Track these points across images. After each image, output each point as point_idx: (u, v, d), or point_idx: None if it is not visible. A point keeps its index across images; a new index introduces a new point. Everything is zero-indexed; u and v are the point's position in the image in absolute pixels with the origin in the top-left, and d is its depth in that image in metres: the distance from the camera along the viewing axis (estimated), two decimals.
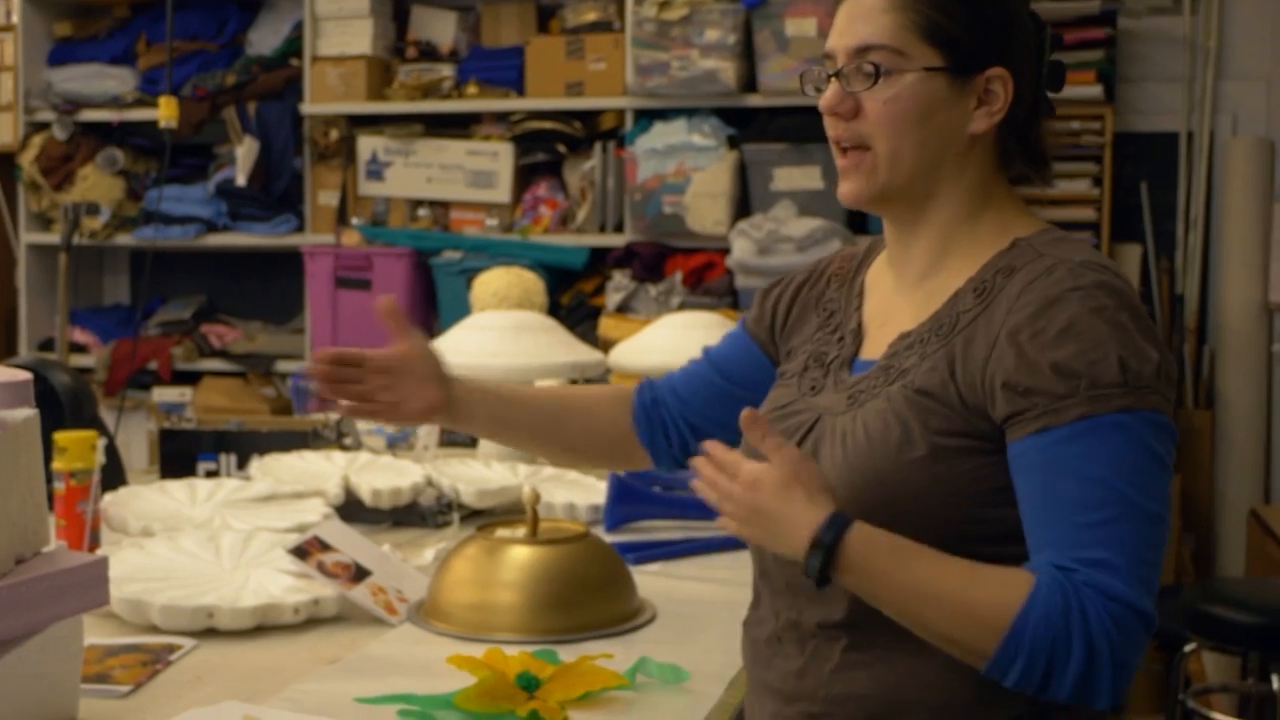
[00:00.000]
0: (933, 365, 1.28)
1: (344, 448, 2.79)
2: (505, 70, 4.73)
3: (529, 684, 1.50)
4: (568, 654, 1.61)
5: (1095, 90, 4.39)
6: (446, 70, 4.82)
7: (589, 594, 1.75)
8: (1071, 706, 1.22)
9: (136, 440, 4.73)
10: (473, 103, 4.76)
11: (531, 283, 3.54)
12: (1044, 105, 1.39)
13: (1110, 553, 1.17)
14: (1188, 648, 3.18)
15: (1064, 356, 1.20)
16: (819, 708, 1.32)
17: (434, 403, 1.55)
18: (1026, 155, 1.38)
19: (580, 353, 2.88)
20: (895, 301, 1.39)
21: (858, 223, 4.35)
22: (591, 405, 1.67)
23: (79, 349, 5.10)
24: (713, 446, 1.27)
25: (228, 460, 2.63)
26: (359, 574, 1.84)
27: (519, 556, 1.76)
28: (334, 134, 4.89)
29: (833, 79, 1.34)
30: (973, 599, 1.19)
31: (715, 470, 1.26)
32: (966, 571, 1.21)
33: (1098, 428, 1.18)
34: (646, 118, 4.56)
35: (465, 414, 1.58)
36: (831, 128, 1.35)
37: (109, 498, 2.18)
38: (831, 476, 1.28)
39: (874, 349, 1.38)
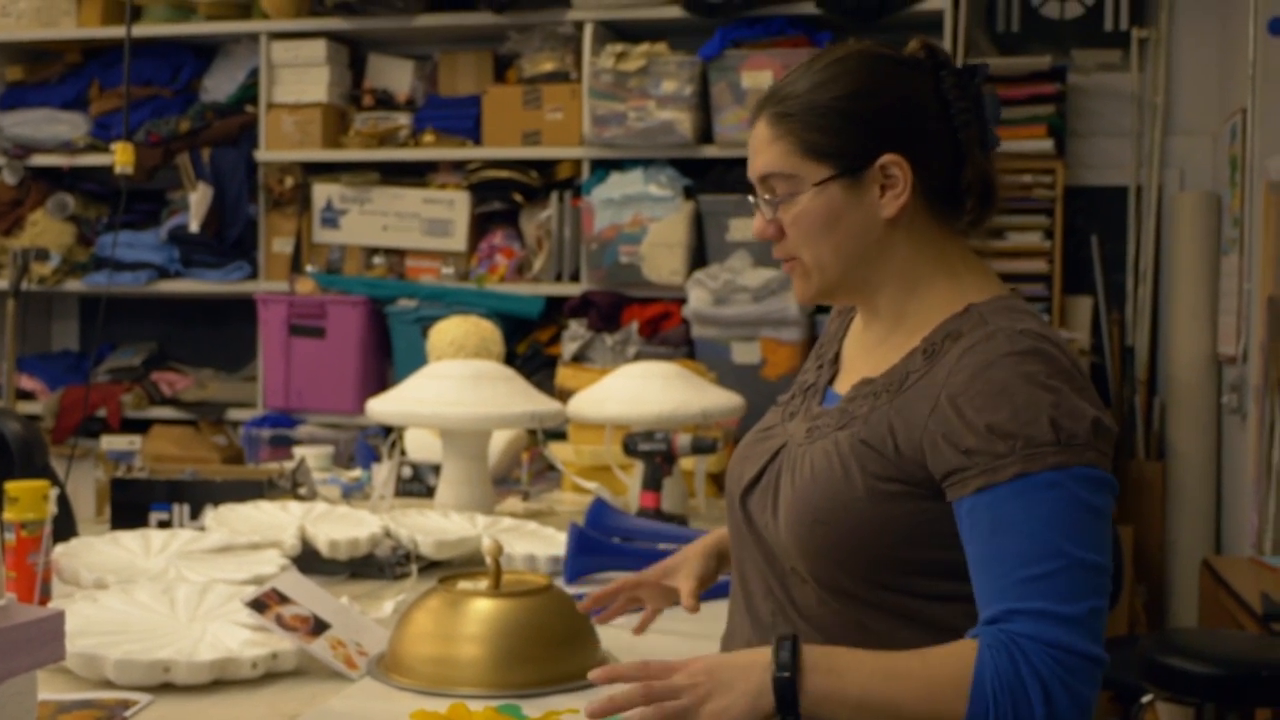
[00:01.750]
0: (879, 419, 1.37)
1: (299, 498, 2.76)
2: (462, 119, 4.74)
3: None
4: (532, 709, 1.59)
5: (1046, 144, 4.46)
6: (403, 118, 4.82)
7: (554, 647, 1.73)
8: None
9: (84, 489, 4.65)
10: (429, 151, 4.76)
11: (488, 331, 3.53)
12: (973, 143, 1.42)
13: (1050, 603, 1.24)
14: (1144, 699, 3.18)
15: (1000, 419, 1.28)
16: None
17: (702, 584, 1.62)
18: (958, 205, 1.44)
19: (539, 402, 2.86)
20: (867, 349, 1.48)
21: None
22: None
23: (26, 395, 5.02)
24: (609, 674, 1.32)
25: (181, 510, 2.59)
26: (318, 627, 1.81)
27: (482, 609, 1.74)
28: (289, 181, 4.87)
29: (757, 208, 1.47)
30: (930, 672, 1.26)
31: (648, 679, 1.29)
32: (917, 653, 1.28)
33: (1033, 485, 1.26)
34: (603, 168, 4.58)
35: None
36: (772, 248, 1.48)
37: (60, 549, 2.13)
38: (783, 506, 1.39)
39: (843, 384, 1.47)
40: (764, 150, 1.43)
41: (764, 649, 1.28)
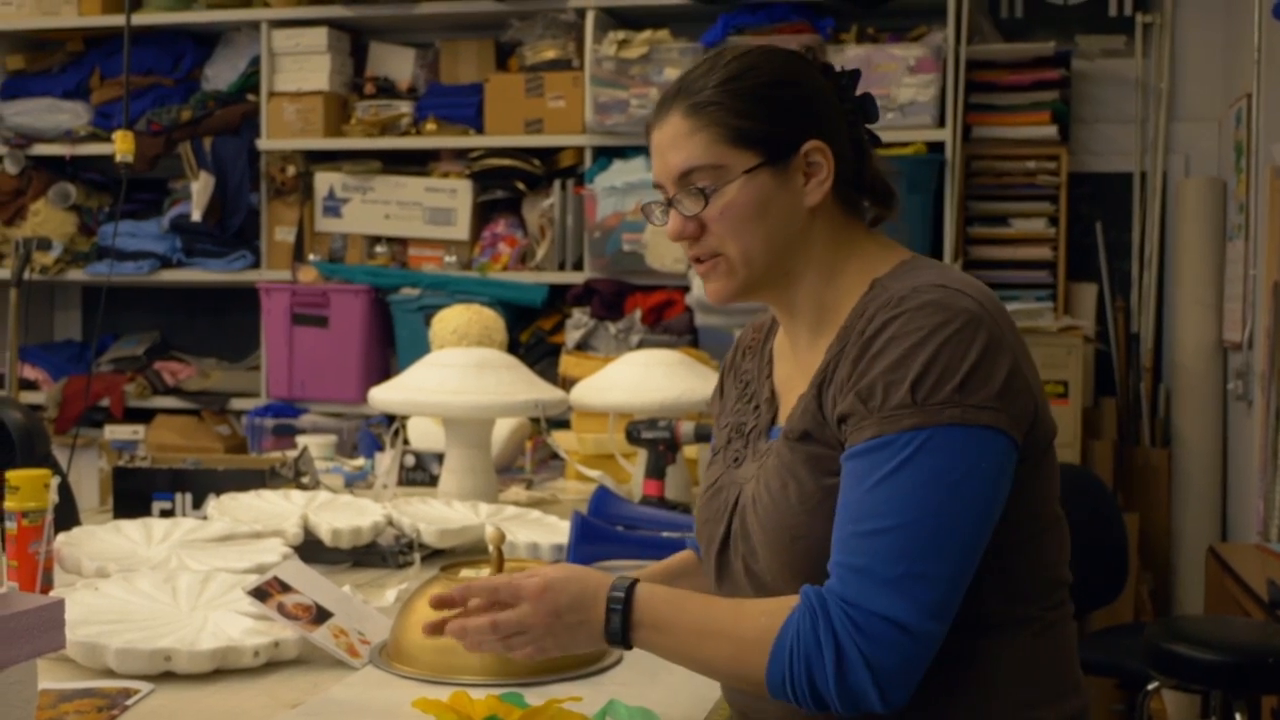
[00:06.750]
0: (805, 408, 1.36)
1: (302, 486, 2.75)
2: (464, 107, 4.72)
3: None
4: (535, 697, 1.58)
5: (1050, 131, 4.45)
6: (405, 107, 4.81)
7: None
8: None
9: (88, 479, 4.65)
10: (431, 139, 4.75)
11: (491, 320, 3.52)
12: (866, 141, 1.45)
13: (870, 560, 1.24)
14: (1150, 686, 3.18)
15: (868, 383, 1.28)
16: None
17: None
18: (870, 196, 1.45)
19: (542, 390, 2.85)
20: (795, 367, 1.46)
21: None
22: (690, 561, 1.66)
23: (29, 385, 5.02)
24: (464, 591, 1.37)
25: (183, 499, 2.59)
26: (320, 615, 1.80)
27: None
28: (291, 170, 4.86)
29: (671, 209, 1.41)
30: (741, 630, 1.29)
31: (486, 611, 1.35)
32: (734, 608, 1.32)
33: (885, 445, 1.25)
34: (606, 155, 4.57)
35: None
36: (686, 249, 1.43)
37: (62, 538, 2.13)
38: (757, 543, 1.38)
39: (784, 414, 1.43)
40: (682, 145, 1.38)
41: (605, 587, 1.33)
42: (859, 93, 1.45)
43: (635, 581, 1.33)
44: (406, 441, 3.24)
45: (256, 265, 4.95)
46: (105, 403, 4.96)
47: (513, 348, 4.13)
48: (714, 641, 1.29)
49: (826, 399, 1.33)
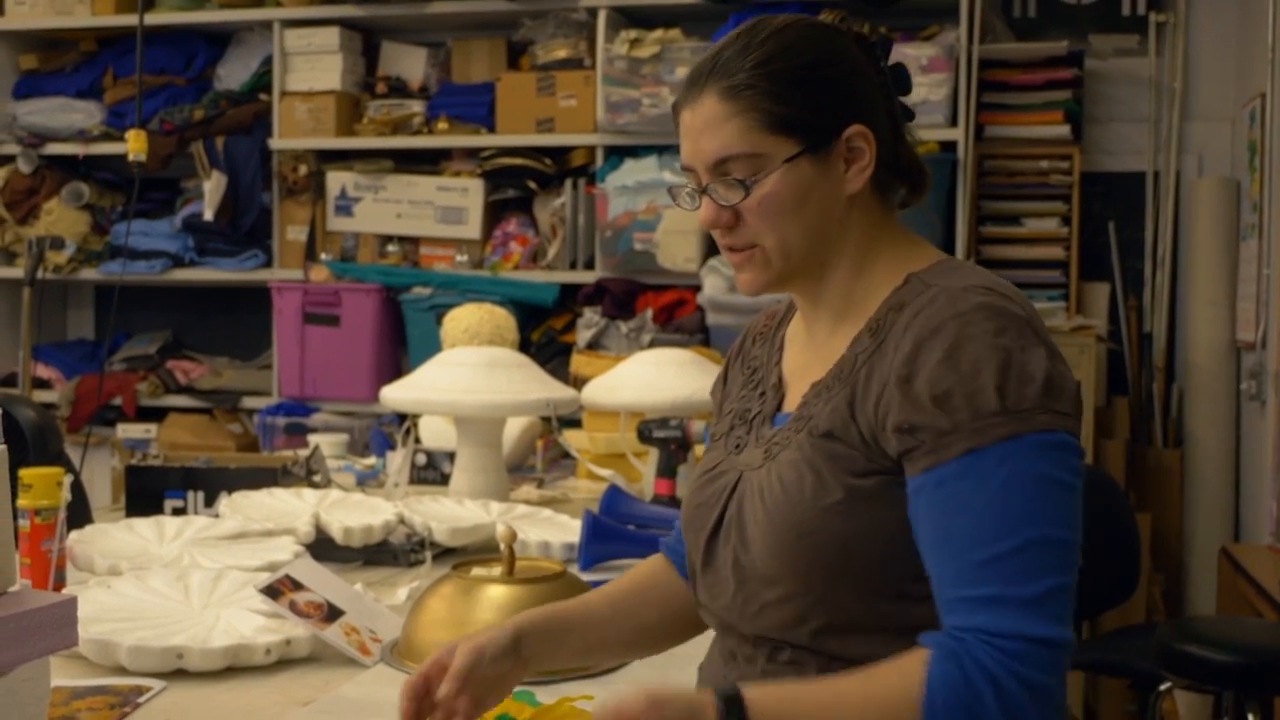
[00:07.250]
0: (834, 407, 1.28)
1: (314, 485, 2.76)
2: (475, 106, 4.73)
3: None
4: (546, 695, 1.58)
5: (1063, 130, 4.44)
6: (416, 106, 4.81)
7: None
8: None
9: (100, 477, 4.66)
10: (443, 139, 4.75)
11: (502, 319, 3.52)
12: (899, 115, 1.39)
13: (1004, 587, 1.17)
14: (1162, 687, 3.17)
15: (943, 390, 1.20)
16: None
17: (513, 679, 1.39)
18: (902, 178, 1.39)
19: (554, 389, 2.86)
20: (811, 354, 1.39)
21: None
22: (644, 586, 1.54)
23: (42, 384, 5.03)
24: None
25: (195, 497, 2.59)
26: (332, 613, 1.81)
27: (496, 595, 1.73)
28: (303, 169, 4.86)
29: (703, 195, 1.34)
30: (876, 695, 1.18)
31: None
32: (859, 680, 1.20)
33: (983, 460, 1.18)
34: (617, 154, 4.57)
35: (549, 659, 1.43)
36: (718, 237, 1.36)
37: (75, 536, 2.14)
38: (755, 533, 1.29)
39: (793, 402, 1.38)
40: (717, 130, 1.30)
41: (708, 693, 1.18)
42: (891, 63, 1.39)
43: (738, 687, 1.19)
44: (418, 440, 3.24)
45: (268, 264, 4.96)
46: (118, 401, 4.97)
47: (524, 347, 4.13)
48: (852, 715, 1.18)
49: (864, 397, 1.26)
